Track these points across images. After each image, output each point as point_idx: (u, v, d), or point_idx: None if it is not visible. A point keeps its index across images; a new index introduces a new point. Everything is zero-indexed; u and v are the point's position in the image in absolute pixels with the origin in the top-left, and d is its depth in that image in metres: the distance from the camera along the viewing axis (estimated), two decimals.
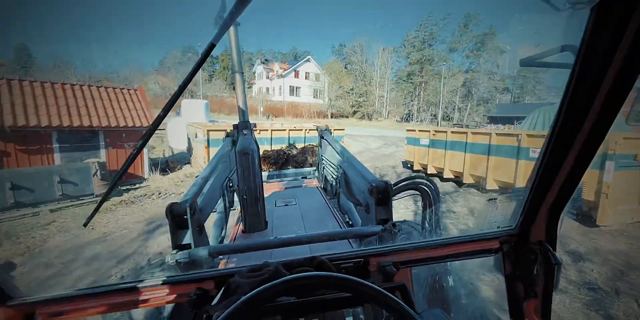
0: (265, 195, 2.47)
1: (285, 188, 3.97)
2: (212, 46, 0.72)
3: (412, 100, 46.72)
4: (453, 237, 1.13)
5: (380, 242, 1.46)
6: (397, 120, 46.98)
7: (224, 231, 2.32)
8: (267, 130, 11.80)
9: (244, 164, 2.21)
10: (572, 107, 0.75)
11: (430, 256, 1.10)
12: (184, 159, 13.26)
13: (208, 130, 10.22)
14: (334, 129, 14.24)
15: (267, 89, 51.23)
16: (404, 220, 2.60)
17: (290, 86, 49.11)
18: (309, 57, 52.78)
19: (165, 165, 12.03)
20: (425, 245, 1.10)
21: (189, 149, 12.82)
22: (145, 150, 10.17)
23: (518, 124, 38.01)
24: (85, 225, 1.11)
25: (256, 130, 2.64)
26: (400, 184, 2.52)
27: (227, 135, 2.87)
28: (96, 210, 0.98)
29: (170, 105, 0.82)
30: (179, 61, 52.20)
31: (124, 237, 5.63)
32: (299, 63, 50.49)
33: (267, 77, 51.77)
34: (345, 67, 51.69)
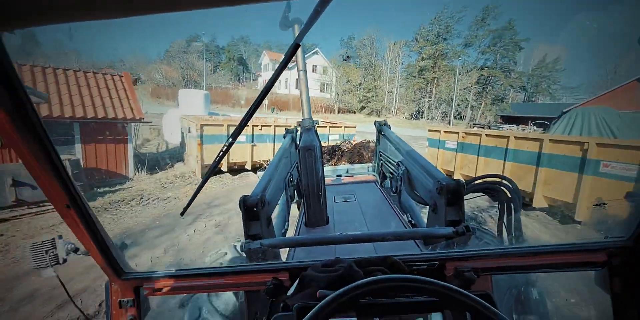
0: None
1: (343, 184, 3.92)
2: (297, 46, 0.72)
3: (422, 97, 44.83)
4: (547, 245, 1.01)
5: (449, 246, 1.37)
6: (406, 118, 45.23)
7: (286, 224, 2.46)
8: (270, 126, 10.42)
9: (307, 160, 2.21)
10: None
11: (517, 264, 0.99)
12: (178, 155, 11.97)
13: (202, 125, 8.89)
14: (345, 126, 12.90)
15: None
16: (474, 225, 2.35)
17: (296, 79, 47.50)
18: (316, 49, 50.93)
19: (155, 163, 10.75)
20: (512, 252, 1.00)
21: (183, 145, 11.52)
22: (129, 145, 8.88)
23: (532, 124, 36.38)
24: (182, 214, 1.14)
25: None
26: (474, 183, 2.19)
27: (287, 131, 2.98)
28: (191, 200, 1.05)
29: (258, 104, 0.82)
30: (183, 50, 50.74)
31: (72, 268, 4.29)
32: (306, 55, 48.76)
33: (274, 69, 49.95)
34: (354, 61, 49.84)
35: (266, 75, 52.74)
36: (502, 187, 2.06)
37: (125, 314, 1.04)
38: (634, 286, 0.90)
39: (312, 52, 49.89)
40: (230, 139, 0.90)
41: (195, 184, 8.91)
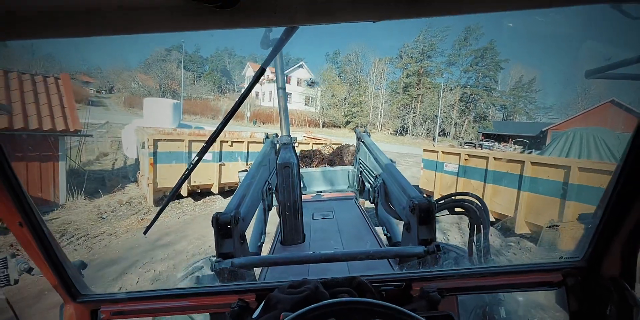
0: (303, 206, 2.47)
1: (323, 200, 3.90)
2: (262, 71, 0.78)
3: (407, 113, 44.74)
4: (508, 266, 1.07)
5: (422, 264, 1.39)
6: (391, 133, 44.86)
7: (263, 236, 2.41)
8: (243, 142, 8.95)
9: (285, 177, 2.23)
10: None
11: (480, 285, 1.02)
12: (133, 174, 10.17)
13: (155, 140, 7.28)
14: (332, 144, 11.58)
15: (257, 94, 48.44)
16: (447, 243, 2.44)
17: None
18: (302, 62, 50.55)
19: (101, 184, 8.93)
20: (476, 273, 1.03)
21: (138, 162, 9.78)
22: (61, 163, 7.10)
23: (513, 143, 36.73)
24: (145, 233, 1.14)
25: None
26: (444, 200, 2.11)
27: (267, 136, 2.95)
28: (155, 219, 1.10)
29: (228, 119, 0.88)
30: (162, 59, 48.89)
31: None
32: (292, 68, 48.13)
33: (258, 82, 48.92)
34: (339, 76, 49.60)
35: None
36: (473, 206, 1.95)
37: None
38: (588, 306, 0.91)
39: (297, 65, 49.40)
40: (197, 157, 0.89)
41: (145, 213, 7.19)
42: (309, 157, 6.56)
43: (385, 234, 2.54)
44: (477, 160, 7.22)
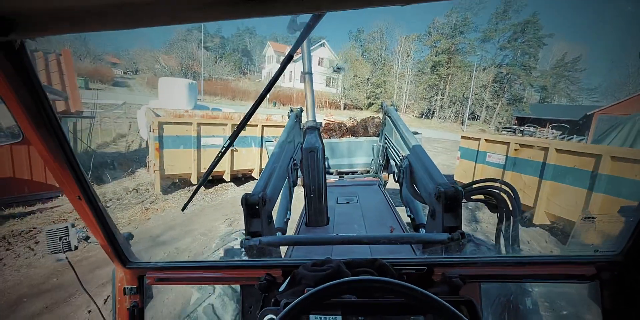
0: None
1: (347, 185, 3.95)
2: (290, 58, 0.77)
3: (435, 95, 42.05)
4: (536, 256, 1.03)
5: (445, 251, 1.35)
6: (416, 116, 42.60)
7: (288, 213, 2.46)
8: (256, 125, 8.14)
9: (310, 162, 2.26)
10: None
11: (505, 273, 0.98)
12: (145, 158, 9.72)
13: (160, 123, 6.59)
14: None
15: None
16: (474, 237, 2.53)
17: (301, 72, 44.99)
18: (323, 41, 48.23)
19: (112, 168, 8.52)
20: (501, 261, 0.99)
21: (148, 145, 9.27)
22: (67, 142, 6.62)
23: (551, 128, 33.66)
24: (183, 210, 1.23)
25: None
26: (473, 187, 1.92)
27: (291, 110, 2.98)
28: (192, 197, 1.14)
29: (257, 106, 0.85)
30: (183, 39, 48.27)
31: None
32: (313, 47, 46.08)
33: (278, 62, 47.62)
34: (362, 55, 47.05)
35: (270, 68, 50.21)
36: (503, 194, 1.77)
37: (128, 301, 1.08)
38: (623, 301, 0.88)
39: (319, 44, 47.24)
40: (229, 141, 0.92)
41: (151, 203, 6.66)
42: (333, 130, 6.63)
43: (408, 215, 2.56)
44: (532, 151, 6.00)
